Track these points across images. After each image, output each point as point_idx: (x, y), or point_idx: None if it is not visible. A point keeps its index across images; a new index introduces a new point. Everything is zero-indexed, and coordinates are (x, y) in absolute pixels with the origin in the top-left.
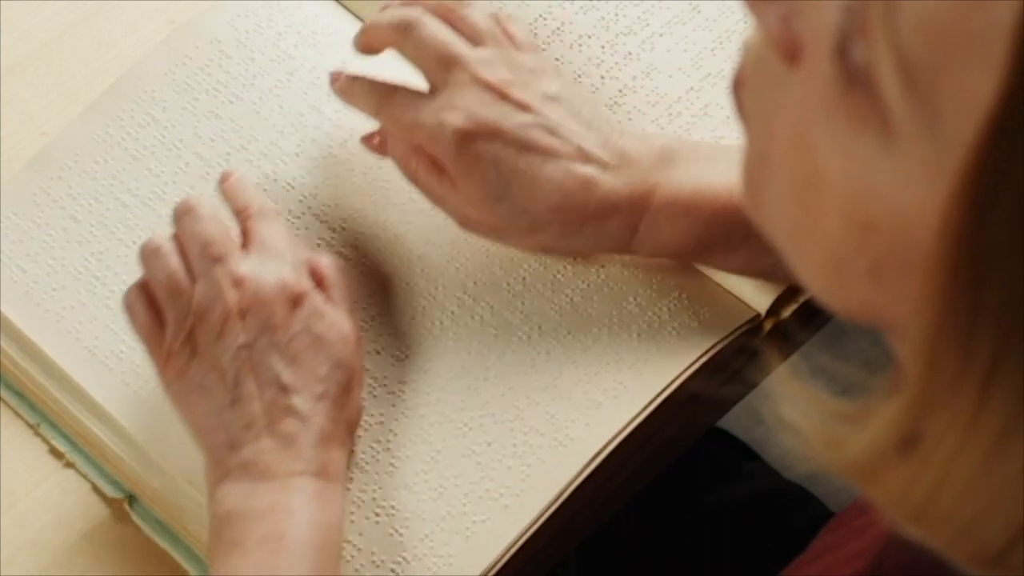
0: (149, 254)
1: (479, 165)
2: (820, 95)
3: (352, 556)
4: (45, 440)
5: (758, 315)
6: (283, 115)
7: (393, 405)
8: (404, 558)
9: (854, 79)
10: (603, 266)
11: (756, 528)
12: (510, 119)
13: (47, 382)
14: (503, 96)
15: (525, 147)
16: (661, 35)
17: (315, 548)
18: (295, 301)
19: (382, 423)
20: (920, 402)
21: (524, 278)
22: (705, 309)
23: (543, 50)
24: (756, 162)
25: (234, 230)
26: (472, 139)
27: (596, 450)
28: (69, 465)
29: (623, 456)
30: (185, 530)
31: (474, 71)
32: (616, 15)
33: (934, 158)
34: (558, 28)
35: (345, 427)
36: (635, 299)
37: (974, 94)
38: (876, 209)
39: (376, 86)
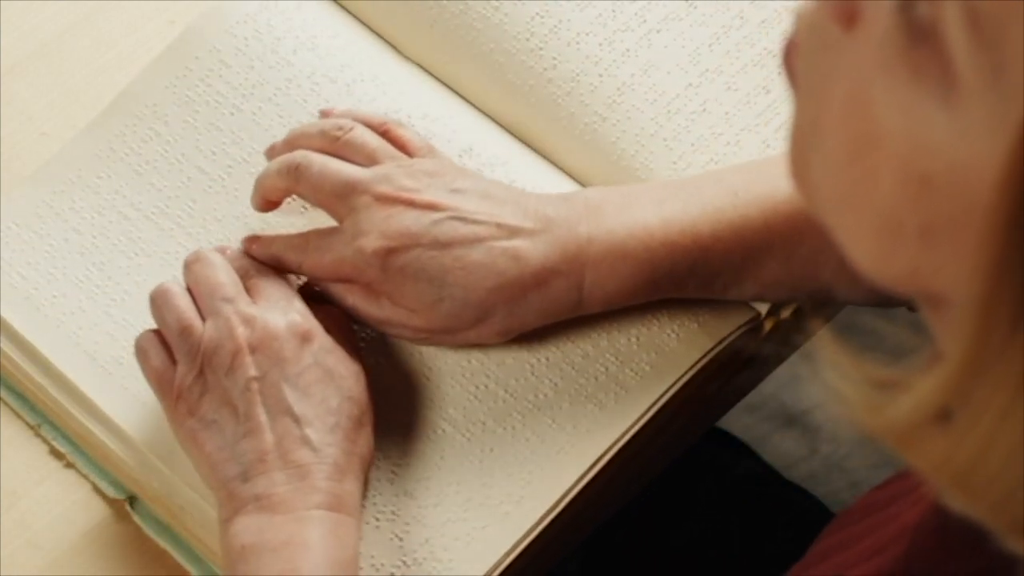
0: (158, 296)
1: (408, 276)
2: (879, 54)
3: None
4: (46, 441)
5: (758, 315)
6: (283, 125)
7: (393, 412)
8: (404, 563)
9: (917, 34)
10: None
11: (756, 529)
12: (422, 222)
13: (47, 383)
14: (409, 204)
15: (446, 243)
16: (658, 31)
17: None
18: (304, 337)
19: (383, 430)
20: (968, 366)
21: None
22: (705, 310)
23: (439, 152)
24: (805, 130)
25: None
26: (393, 254)
27: (596, 456)
28: (70, 466)
29: (623, 460)
30: (186, 530)
31: (374, 191)
32: (613, 11)
33: (997, 110)
34: (555, 26)
35: (359, 462)
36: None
37: None
38: (934, 164)
39: (290, 240)
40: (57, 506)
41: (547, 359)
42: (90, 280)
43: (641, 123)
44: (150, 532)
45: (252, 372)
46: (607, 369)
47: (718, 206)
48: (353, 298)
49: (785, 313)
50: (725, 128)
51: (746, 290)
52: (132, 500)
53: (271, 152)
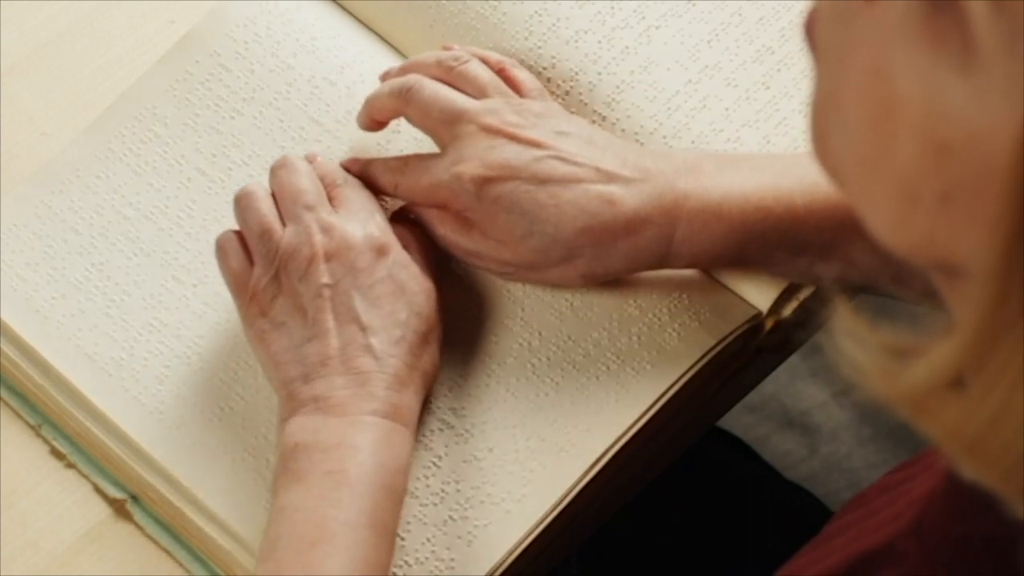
0: (243, 198)
1: (502, 207)
2: (900, 23)
3: None
4: (46, 441)
5: (759, 313)
6: (283, 129)
7: None
8: (406, 562)
9: (936, 2)
10: None
11: (756, 529)
12: (523, 157)
13: (47, 385)
14: (512, 138)
15: (543, 180)
16: (657, 28)
17: (378, 487)
18: (380, 250)
19: None
20: (983, 334)
21: (524, 284)
22: (705, 309)
23: (552, 96)
24: (826, 99)
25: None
26: (490, 183)
27: (597, 455)
28: (70, 466)
29: (624, 459)
30: (186, 530)
31: (480, 121)
32: (612, 9)
33: (1016, 77)
34: (553, 24)
35: (420, 376)
36: (635, 301)
37: None
38: (953, 131)
39: (389, 162)
40: (57, 506)
41: (548, 358)
42: (89, 281)
43: (641, 120)
44: (152, 532)
45: (325, 279)
46: (608, 368)
47: (813, 181)
48: (444, 226)
49: (786, 312)
50: (725, 124)
51: (831, 268)
52: (133, 499)
53: (385, 76)
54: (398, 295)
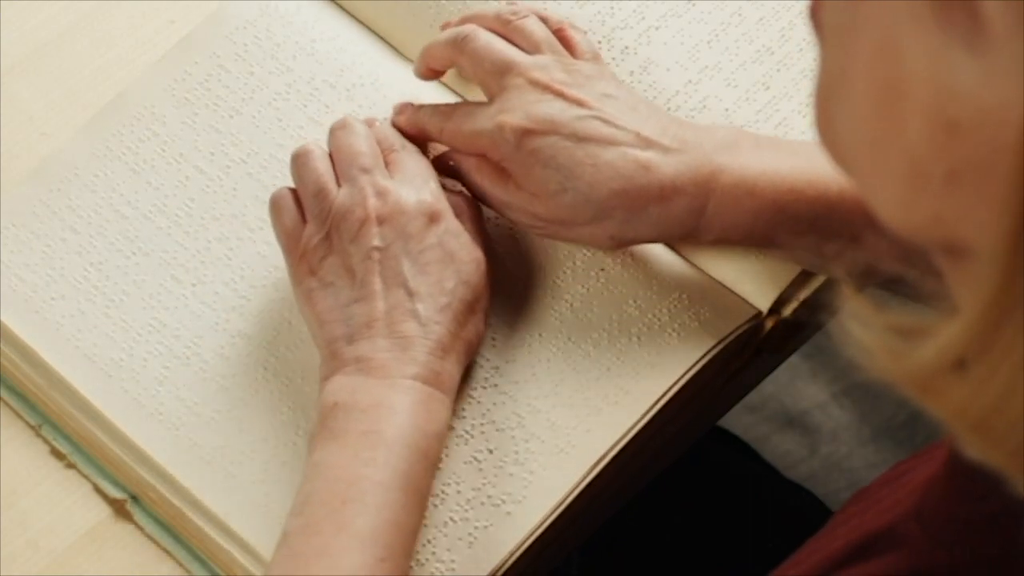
0: (300, 156)
1: (539, 160)
2: (909, 3)
3: None
4: (47, 441)
5: (759, 313)
6: (282, 129)
7: None
8: None
9: None
10: (603, 269)
11: (756, 529)
12: (566, 114)
13: (47, 386)
14: (559, 95)
15: (583, 138)
16: (657, 28)
17: (413, 449)
18: (432, 217)
19: None
20: (990, 313)
21: (524, 285)
22: (706, 309)
23: (604, 63)
24: (831, 80)
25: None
26: (530, 135)
27: (597, 456)
28: (70, 466)
29: (624, 460)
30: (187, 531)
31: (529, 75)
32: (612, 9)
33: None
34: None
35: (463, 345)
36: (635, 302)
37: None
38: (961, 110)
39: (438, 107)
40: (57, 506)
41: (548, 360)
42: (88, 280)
43: None
44: (152, 532)
45: (376, 242)
46: (608, 369)
47: None
48: (481, 176)
49: (786, 312)
50: (725, 124)
51: (859, 257)
52: (133, 499)
53: (445, 26)
54: (447, 263)
